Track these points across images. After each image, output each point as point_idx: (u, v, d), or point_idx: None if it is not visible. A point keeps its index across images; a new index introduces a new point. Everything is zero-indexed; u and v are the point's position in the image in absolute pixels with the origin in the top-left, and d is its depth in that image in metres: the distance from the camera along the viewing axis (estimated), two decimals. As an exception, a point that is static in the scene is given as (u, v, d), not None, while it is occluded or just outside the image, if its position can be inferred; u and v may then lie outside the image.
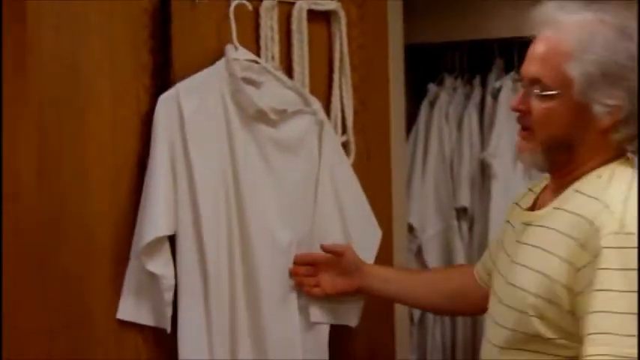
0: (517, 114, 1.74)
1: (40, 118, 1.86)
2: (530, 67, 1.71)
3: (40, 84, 1.86)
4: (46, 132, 1.87)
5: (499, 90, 2.96)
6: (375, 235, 2.29)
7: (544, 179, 1.85)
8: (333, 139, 2.25)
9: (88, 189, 1.93)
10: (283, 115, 2.12)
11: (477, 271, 2.06)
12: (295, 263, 2.11)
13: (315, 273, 2.13)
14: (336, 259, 2.13)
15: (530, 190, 1.90)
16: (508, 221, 1.87)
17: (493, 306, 1.79)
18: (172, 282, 1.95)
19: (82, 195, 1.92)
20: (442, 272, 2.23)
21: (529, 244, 1.71)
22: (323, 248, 2.13)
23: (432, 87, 3.19)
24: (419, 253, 3.06)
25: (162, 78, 2.04)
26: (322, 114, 2.23)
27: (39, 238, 1.85)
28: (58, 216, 1.88)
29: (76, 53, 1.92)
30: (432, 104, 3.15)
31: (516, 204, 1.89)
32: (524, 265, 1.69)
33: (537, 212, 1.76)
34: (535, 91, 1.69)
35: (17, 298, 1.82)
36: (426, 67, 3.31)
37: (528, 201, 1.85)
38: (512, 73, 3.00)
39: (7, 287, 1.81)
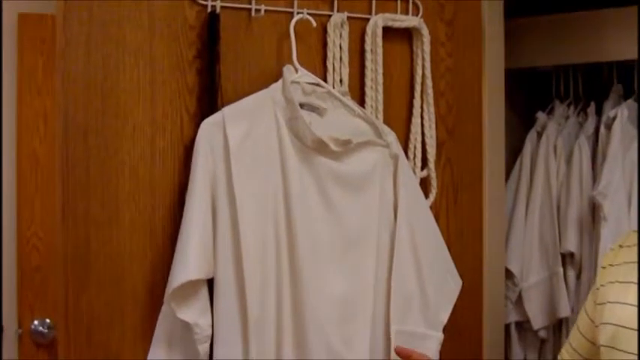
0: None
1: (65, 147, 1.68)
2: None
3: (66, 109, 1.68)
4: (71, 163, 1.70)
5: (614, 119, 2.59)
6: (454, 285, 2.00)
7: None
8: (408, 176, 1.97)
9: (119, 227, 1.76)
10: (347, 146, 1.86)
11: None
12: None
13: None
14: None
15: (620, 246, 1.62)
16: None
17: None
18: (208, 332, 1.73)
19: (110, 234, 1.75)
20: None
21: None
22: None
23: (540, 115, 2.85)
24: (519, 302, 2.70)
25: (210, 102, 1.82)
26: (397, 147, 1.95)
27: (60, 279, 1.68)
28: (82, 256, 1.73)
29: (110, 75, 1.74)
30: (539, 135, 2.81)
31: None
32: None
33: None
34: None
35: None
36: (540, 94, 2.97)
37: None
38: (629, 101, 2.64)
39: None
